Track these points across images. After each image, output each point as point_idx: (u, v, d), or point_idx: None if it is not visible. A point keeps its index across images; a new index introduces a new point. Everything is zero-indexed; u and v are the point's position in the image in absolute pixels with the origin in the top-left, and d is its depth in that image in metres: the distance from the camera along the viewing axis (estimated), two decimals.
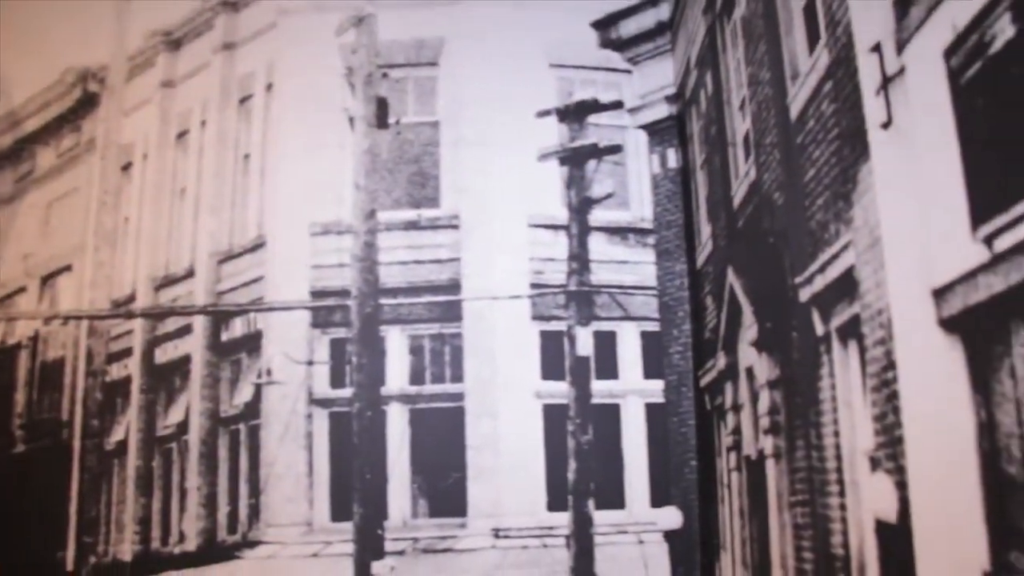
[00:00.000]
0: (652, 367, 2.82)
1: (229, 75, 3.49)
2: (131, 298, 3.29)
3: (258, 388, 2.84)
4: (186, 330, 3.10)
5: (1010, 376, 1.25)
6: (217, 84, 3.54)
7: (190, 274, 3.11)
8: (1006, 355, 1.26)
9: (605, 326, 2.84)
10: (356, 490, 2.72)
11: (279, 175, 3.11)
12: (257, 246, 3.04)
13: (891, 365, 1.55)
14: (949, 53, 1.41)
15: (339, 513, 2.72)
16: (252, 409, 2.85)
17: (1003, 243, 1.26)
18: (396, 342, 2.83)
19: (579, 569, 2.67)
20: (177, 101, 3.59)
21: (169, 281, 3.21)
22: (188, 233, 3.24)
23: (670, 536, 2.71)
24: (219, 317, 2.93)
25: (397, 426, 2.73)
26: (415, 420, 2.74)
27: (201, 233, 3.19)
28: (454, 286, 2.86)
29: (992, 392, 1.29)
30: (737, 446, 2.35)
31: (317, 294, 2.89)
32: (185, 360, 3.10)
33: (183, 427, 3.08)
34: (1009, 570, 1.23)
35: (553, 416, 2.76)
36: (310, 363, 2.82)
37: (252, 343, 2.91)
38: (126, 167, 3.56)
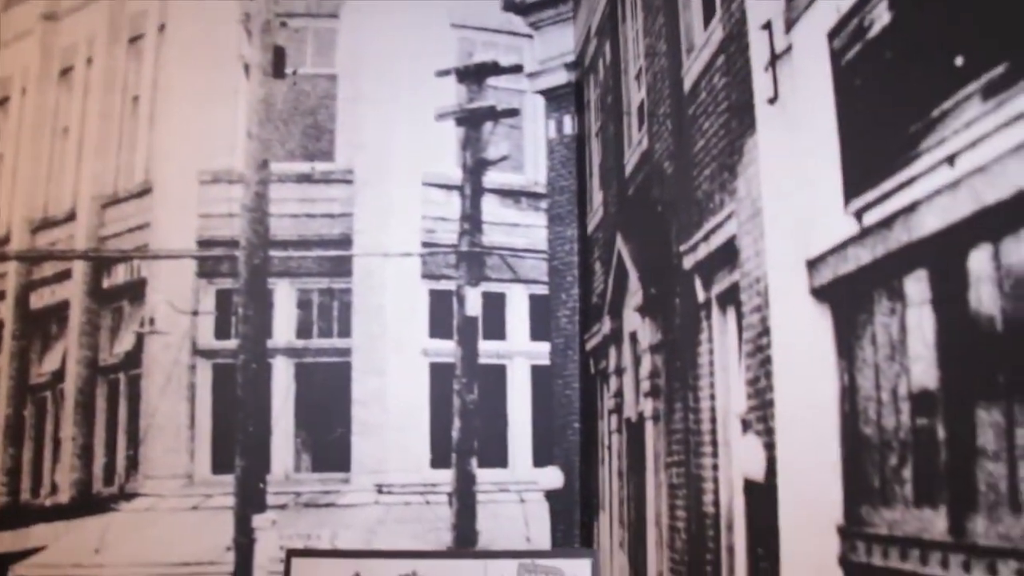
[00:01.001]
0: (539, 330, 2.86)
1: (119, 12, 3.35)
2: (5, 240, 3.14)
3: (140, 337, 2.77)
4: (65, 275, 2.99)
5: (871, 343, 1.32)
6: (105, 21, 3.39)
7: (71, 217, 3.00)
8: (869, 323, 1.34)
9: (494, 287, 2.86)
10: (238, 443, 2.69)
11: (169, 120, 3.01)
12: (143, 192, 2.94)
13: (766, 331, 1.63)
14: (832, 34, 1.46)
15: (220, 466, 2.68)
16: (133, 359, 2.78)
17: (871, 217, 1.33)
18: (284, 295, 2.79)
19: (461, 526, 2.71)
20: (61, 35, 3.43)
21: (48, 223, 3.08)
22: (70, 175, 3.11)
23: (551, 495, 2.77)
24: (100, 263, 2.84)
25: (282, 379, 2.70)
26: (301, 374, 2.72)
27: (84, 175, 3.07)
28: (345, 241, 2.83)
29: (855, 357, 1.37)
30: (618, 409, 2.42)
31: (204, 243, 2.82)
32: (63, 306, 2.99)
33: (59, 375, 2.98)
34: (860, 523, 1.32)
35: (439, 374, 2.77)
36: (195, 313, 2.76)
37: (135, 291, 2.82)
38: (3, 102, 3.39)
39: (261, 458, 2.69)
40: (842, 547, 1.36)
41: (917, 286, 1.23)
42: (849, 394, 1.36)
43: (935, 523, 1.16)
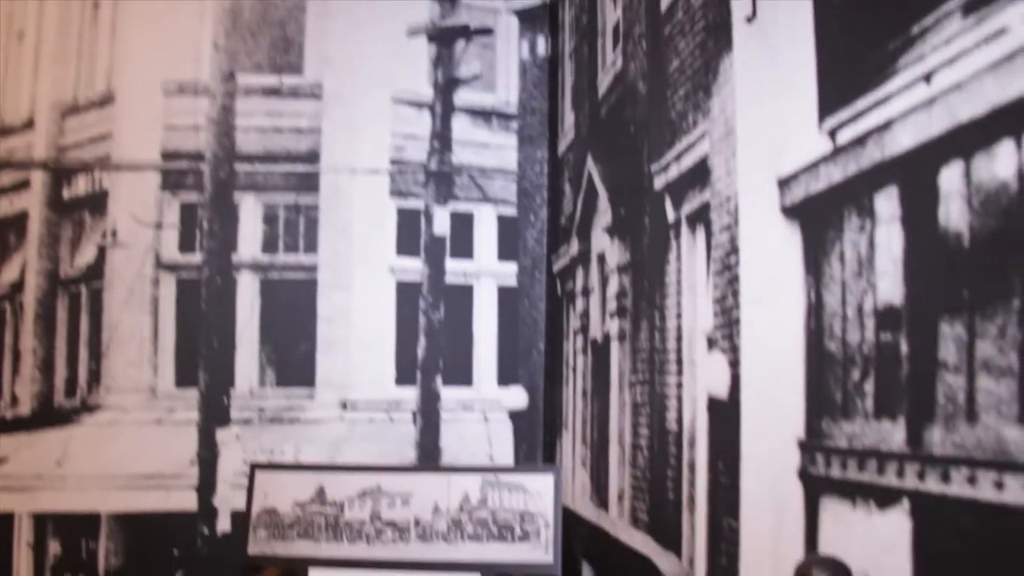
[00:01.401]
0: (507, 250, 2.86)
1: None
2: None
3: (102, 250, 2.73)
4: (23, 185, 2.92)
5: (839, 260, 1.34)
6: None
7: (29, 126, 2.92)
8: (837, 240, 1.35)
9: (463, 207, 2.85)
10: (202, 357, 2.69)
11: (132, 28, 2.93)
12: (105, 101, 2.87)
13: (734, 250, 1.64)
14: None
15: (184, 380, 2.67)
16: (95, 271, 2.74)
17: (845, 136, 1.33)
18: (250, 209, 2.76)
19: (425, 443, 2.73)
20: None
21: (4, 131, 3.00)
22: (27, 82, 3.03)
23: (515, 415, 2.80)
24: (60, 173, 2.78)
25: (247, 294, 2.69)
26: (266, 289, 2.70)
27: (42, 83, 2.99)
28: (312, 156, 2.79)
29: (822, 275, 1.38)
30: (584, 329, 2.43)
31: (169, 156, 2.77)
32: (21, 217, 2.94)
33: (18, 287, 2.94)
34: (820, 436, 1.35)
35: (406, 293, 2.77)
36: (159, 226, 2.73)
37: (96, 203, 2.77)
38: None
39: (225, 373, 2.69)
40: (802, 460, 1.39)
41: (887, 203, 1.24)
42: (815, 311, 1.38)
43: (893, 435, 1.19)
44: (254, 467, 2.51)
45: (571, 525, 2.50)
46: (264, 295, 2.65)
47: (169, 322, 2.62)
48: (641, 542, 1.99)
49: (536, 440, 2.81)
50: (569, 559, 2.49)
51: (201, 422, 2.59)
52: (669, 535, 1.86)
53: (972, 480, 1.06)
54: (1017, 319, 1.00)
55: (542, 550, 2.19)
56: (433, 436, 2.70)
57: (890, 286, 1.21)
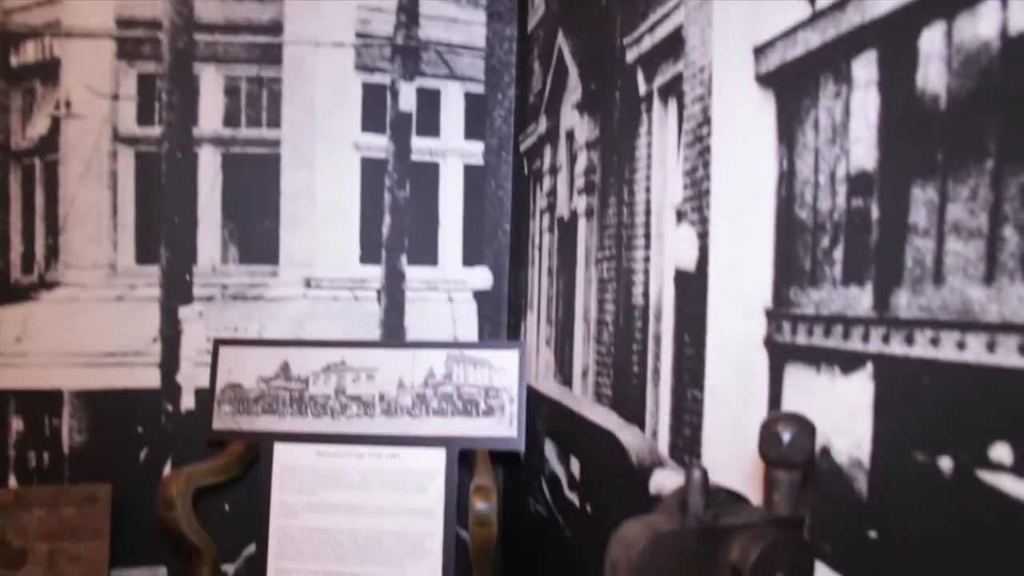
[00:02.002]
0: (474, 129, 2.81)
1: None
2: None
3: (55, 121, 2.64)
4: None
5: (813, 127, 1.33)
6: None
7: None
8: (812, 107, 1.33)
9: (429, 83, 2.78)
10: (163, 234, 2.64)
11: None
12: None
13: (707, 121, 1.62)
14: None
15: (145, 256, 2.63)
16: (49, 143, 2.66)
17: (824, 0, 1.30)
18: (210, 82, 2.67)
19: (389, 322, 2.73)
20: None
21: None
22: None
23: (479, 295, 2.80)
24: (7, 39, 2.66)
25: (209, 170, 2.63)
26: (228, 164, 2.64)
27: None
28: (276, 27, 2.70)
29: (795, 143, 1.37)
30: (551, 208, 2.42)
31: (124, 23, 2.66)
32: None
33: None
34: (787, 304, 1.36)
35: (371, 170, 2.72)
36: (115, 98, 2.64)
37: (47, 71, 2.67)
38: None
39: (187, 249, 2.65)
40: (768, 328, 1.40)
41: (865, 68, 1.22)
42: (787, 179, 1.37)
43: (860, 300, 1.20)
44: (218, 342, 2.51)
45: (535, 404, 2.53)
46: (226, 170, 2.59)
47: (128, 197, 2.56)
48: (604, 417, 2.02)
49: (501, 320, 2.82)
50: (532, 437, 2.53)
51: (163, 299, 2.56)
52: (632, 409, 1.89)
53: (935, 341, 1.07)
54: (990, 180, 0.99)
55: (507, 425, 2.22)
56: (398, 315, 2.69)
57: (864, 152, 1.20)
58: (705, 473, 0.96)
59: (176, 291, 2.61)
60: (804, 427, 0.98)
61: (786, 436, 0.98)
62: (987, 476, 1.00)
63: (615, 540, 0.93)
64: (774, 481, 1.02)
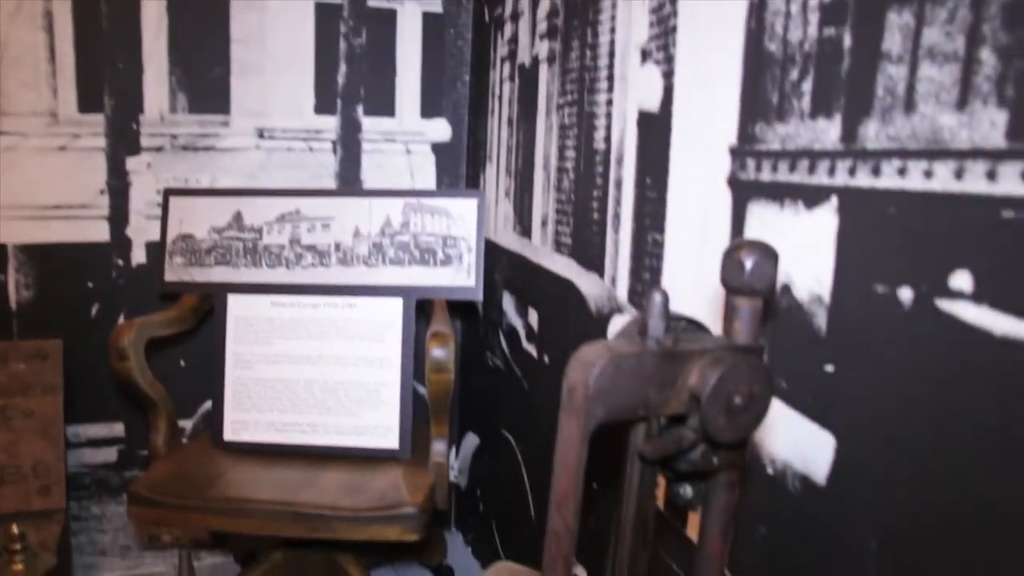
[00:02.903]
0: None
1: None
2: None
3: None
4: None
5: None
6: None
7: None
8: None
9: None
10: (107, 81, 2.52)
11: None
12: None
13: None
14: None
15: (88, 104, 2.51)
16: None
17: None
18: None
19: (345, 173, 2.67)
20: None
21: None
22: None
23: (438, 148, 2.74)
24: None
25: (153, 12, 2.48)
26: (173, 7, 2.50)
27: None
28: None
29: None
30: (512, 55, 2.34)
31: None
32: None
33: None
34: (753, 141, 1.32)
35: (325, 15, 2.60)
36: None
37: None
38: None
39: (132, 97, 2.54)
40: (732, 166, 1.37)
41: None
42: (757, 10, 1.32)
43: (828, 133, 1.17)
44: (168, 192, 2.44)
45: (493, 257, 2.51)
46: (171, 13, 2.47)
47: (67, 41, 2.43)
48: (563, 266, 2.01)
49: (459, 173, 2.77)
50: (491, 291, 2.52)
51: (109, 149, 2.47)
52: (591, 256, 1.87)
53: (902, 171, 1.05)
54: (970, 0, 0.96)
55: (465, 274, 2.20)
56: (354, 167, 2.63)
57: None
58: (666, 296, 0.95)
59: (122, 141, 2.51)
60: (767, 254, 0.96)
61: (748, 263, 0.96)
62: (946, 305, 0.99)
63: (573, 362, 0.92)
64: (735, 309, 1.00)
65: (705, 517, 1.11)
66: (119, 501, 2.72)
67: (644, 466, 1.02)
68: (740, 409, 0.97)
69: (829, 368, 1.19)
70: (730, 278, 0.99)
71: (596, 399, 0.90)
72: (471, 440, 2.86)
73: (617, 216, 1.74)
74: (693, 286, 1.49)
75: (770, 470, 1.33)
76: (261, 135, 2.60)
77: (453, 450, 3.08)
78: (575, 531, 0.96)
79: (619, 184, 1.73)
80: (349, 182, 2.67)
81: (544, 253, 2.11)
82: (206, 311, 2.44)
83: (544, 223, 2.10)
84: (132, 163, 2.55)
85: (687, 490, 1.12)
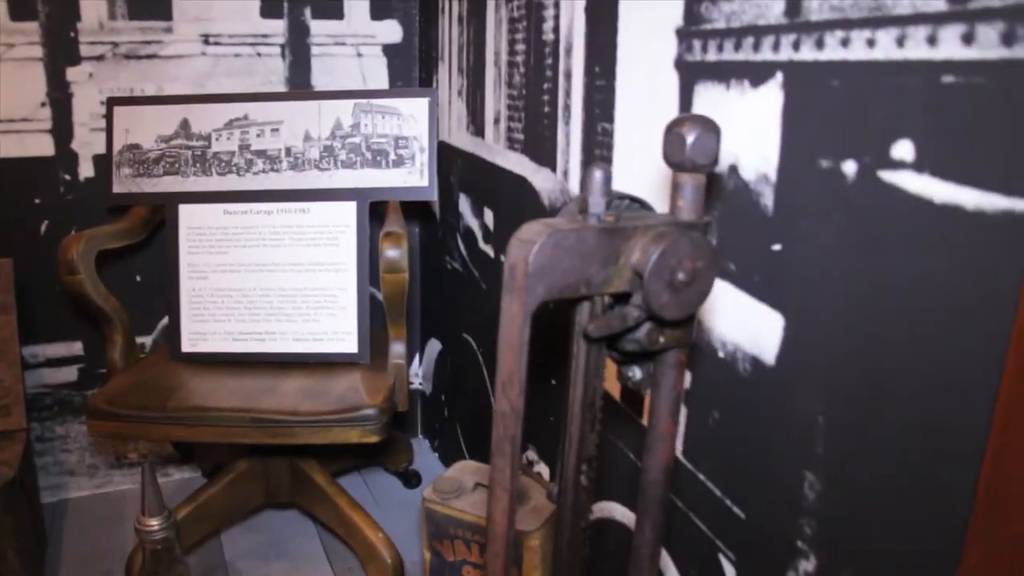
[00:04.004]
0: None
1: None
2: None
3: None
4: None
5: None
6: None
7: None
8: None
9: None
10: None
11: None
12: None
13: None
14: None
15: (20, 11, 2.41)
16: None
17: None
18: None
19: (294, 78, 2.60)
20: None
21: None
22: None
23: (389, 50, 2.67)
24: None
25: None
26: None
27: None
28: None
29: None
30: None
31: None
32: None
33: None
34: (698, 20, 1.30)
35: None
36: None
37: None
38: None
39: (68, 4, 2.44)
40: (679, 49, 1.35)
41: None
42: None
43: (772, 7, 1.15)
44: (111, 101, 2.38)
45: (448, 159, 2.48)
46: None
47: None
48: (516, 163, 1.99)
49: (412, 76, 2.71)
50: (447, 193, 2.49)
51: (47, 59, 2.39)
52: (544, 151, 1.85)
53: (845, 42, 1.03)
54: None
55: (417, 174, 2.17)
56: (303, 71, 2.57)
57: None
58: (606, 172, 0.93)
59: (61, 50, 2.43)
60: (708, 127, 0.95)
61: (690, 137, 0.94)
62: (888, 175, 0.99)
63: (513, 240, 0.91)
64: (678, 186, 0.99)
65: (654, 398, 1.11)
66: (82, 420, 2.71)
67: (590, 346, 1.02)
68: (684, 285, 0.96)
69: (776, 247, 1.19)
70: (672, 154, 0.98)
71: (536, 276, 0.89)
72: (434, 346, 2.86)
73: (567, 108, 1.71)
74: (643, 173, 1.48)
75: (721, 354, 1.34)
76: (206, 41, 2.53)
77: (417, 357, 3.09)
78: (521, 412, 0.96)
79: (568, 75, 1.70)
80: (299, 88, 2.61)
81: (497, 151, 2.09)
82: (158, 222, 2.40)
83: (496, 121, 2.07)
84: (72, 73, 2.47)
85: (636, 372, 1.13)
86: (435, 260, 2.73)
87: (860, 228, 1.04)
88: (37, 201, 2.52)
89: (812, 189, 1.11)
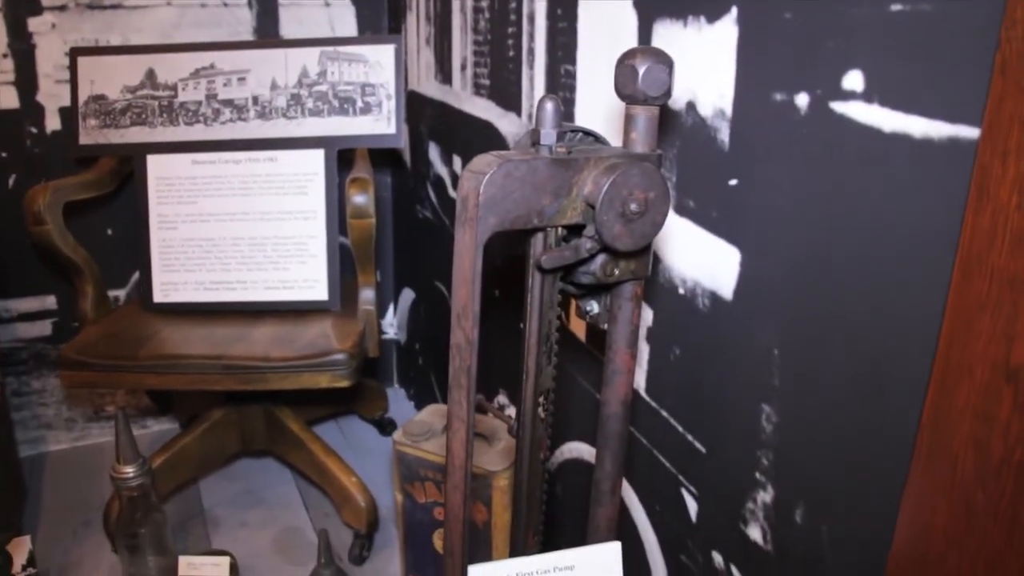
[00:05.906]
0: None
1: None
2: None
3: None
4: None
5: None
6: None
7: None
8: None
9: None
10: None
11: None
12: None
13: None
14: None
15: None
16: None
17: None
18: None
19: (262, 29, 2.58)
20: None
21: None
22: None
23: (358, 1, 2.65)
24: None
25: None
26: None
27: None
28: None
29: None
30: None
31: None
32: None
33: None
34: None
35: None
36: None
37: None
38: None
39: None
40: None
41: None
42: None
43: None
44: (75, 52, 2.35)
45: (417, 107, 2.47)
46: None
47: None
48: (483, 109, 1.99)
49: (381, 25, 2.69)
50: (417, 142, 2.49)
51: (6, 9, 2.36)
52: (509, 95, 1.85)
53: None
54: None
55: (385, 121, 2.17)
56: (271, 22, 2.55)
57: None
58: (556, 104, 0.94)
59: (21, 0, 2.40)
60: (660, 59, 0.95)
61: (641, 69, 0.95)
62: (839, 107, 1.00)
63: (465, 172, 0.92)
64: (631, 118, 1.00)
65: (611, 331, 1.13)
66: (58, 374, 2.72)
67: (544, 278, 1.04)
68: (636, 215, 0.97)
69: (733, 182, 1.20)
70: (624, 86, 0.98)
71: (488, 207, 0.90)
72: (408, 296, 2.87)
73: (531, 51, 1.71)
74: (606, 114, 1.48)
75: (682, 290, 1.36)
76: None
77: (392, 307, 3.10)
78: (476, 343, 0.98)
79: (532, 18, 1.69)
80: (266, 37, 2.59)
81: (465, 98, 2.08)
82: (126, 174, 2.39)
83: (463, 67, 2.06)
84: (34, 23, 2.44)
85: (594, 306, 1.14)
86: (407, 210, 2.73)
87: (813, 160, 1.05)
88: (4, 155, 2.50)
89: (766, 123, 1.12)
